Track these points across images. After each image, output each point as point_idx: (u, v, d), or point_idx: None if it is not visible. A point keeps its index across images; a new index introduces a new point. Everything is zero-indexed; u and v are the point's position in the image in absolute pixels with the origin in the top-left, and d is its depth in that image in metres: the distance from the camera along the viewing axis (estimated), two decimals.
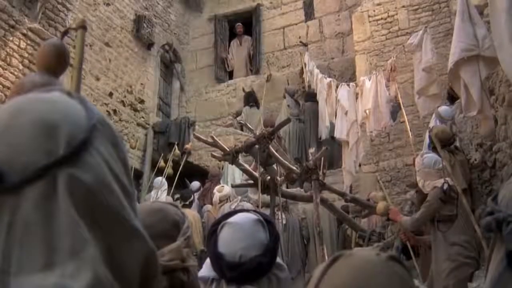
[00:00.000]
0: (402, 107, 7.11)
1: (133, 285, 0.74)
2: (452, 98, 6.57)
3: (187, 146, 9.57)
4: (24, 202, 0.70)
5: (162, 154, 9.37)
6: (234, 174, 7.93)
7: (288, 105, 10.07)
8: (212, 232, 1.50)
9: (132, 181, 0.83)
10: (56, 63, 1.44)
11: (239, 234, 1.44)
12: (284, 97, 10.38)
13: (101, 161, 0.76)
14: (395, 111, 7.57)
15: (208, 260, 1.47)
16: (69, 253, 0.69)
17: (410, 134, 6.82)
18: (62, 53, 1.46)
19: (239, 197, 6.53)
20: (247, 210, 1.59)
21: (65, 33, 1.58)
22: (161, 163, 8.95)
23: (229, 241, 1.44)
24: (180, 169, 8.45)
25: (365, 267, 0.78)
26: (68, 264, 0.68)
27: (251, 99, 10.61)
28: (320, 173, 5.54)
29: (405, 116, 7.00)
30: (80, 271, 0.68)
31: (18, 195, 0.70)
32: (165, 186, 7.96)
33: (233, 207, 6.12)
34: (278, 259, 1.47)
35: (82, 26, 1.42)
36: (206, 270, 1.46)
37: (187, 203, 7.20)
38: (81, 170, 0.73)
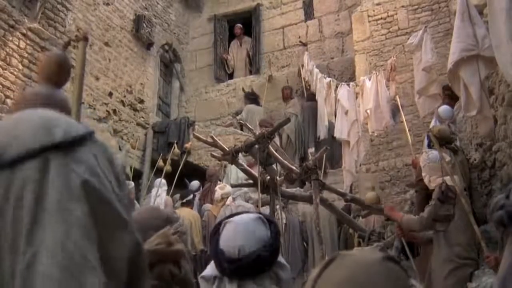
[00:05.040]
0: (400, 108, 7.10)
1: (121, 273, 0.78)
2: (449, 97, 6.51)
3: (187, 145, 9.57)
4: (17, 179, 0.78)
5: (162, 154, 9.38)
6: (237, 174, 7.92)
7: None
8: (214, 232, 1.52)
9: (125, 194, 0.89)
10: (58, 74, 1.46)
11: (239, 230, 1.47)
12: (284, 99, 10.48)
13: (94, 161, 0.83)
14: (394, 111, 7.57)
15: (212, 261, 1.49)
16: (49, 230, 0.74)
17: (409, 134, 6.82)
18: (64, 64, 1.49)
19: (237, 195, 6.53)
20: (251, 212, 1.61)
21: (67, 44, 1.60)
22: (160, 162, 8.95)
23: (229, 238, 1.46)
24: (180, 168, 8.45)
25: (361, 266, 0.78)
26: (45, 241, 0.73)
27: (252, 98, 10.64)
28: (321, 172, 5.54)
29: (403, 117, 7.00)
30: (60, 249, 0.73)
31: (12, 173, 0.79)
32: (165, 186, 7.96)
33: (233, 207, 6.12)
34: (282, 260, 1.49)
35: (84, 38, 1.43)
36: (210, 269, 1.48)
37: (186, 202, 7.20)
38: (76, 162, 0.80)
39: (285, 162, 5.50)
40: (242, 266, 1.40)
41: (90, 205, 0.77)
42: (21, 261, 0.73)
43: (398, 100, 7.14)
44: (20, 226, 0.76)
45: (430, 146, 4.97)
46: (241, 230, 1.46)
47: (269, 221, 1.52)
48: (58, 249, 0.74)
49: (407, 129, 6.88)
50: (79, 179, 0.78)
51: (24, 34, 7.08)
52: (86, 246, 0.75)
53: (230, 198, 6.54)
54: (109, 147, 0.91)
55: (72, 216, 0.75)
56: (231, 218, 1.52)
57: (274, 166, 5.39)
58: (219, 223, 1.53)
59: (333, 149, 8.27)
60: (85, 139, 0.85)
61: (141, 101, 10.19)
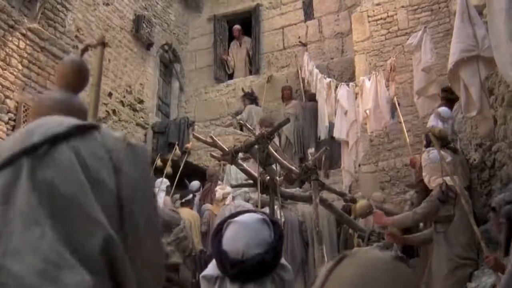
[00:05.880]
0: (398, 107, 7.10)
1: (91, 261, 0.82)
2: (446, 99, 6.49)
3: (187, 145, 9.57)
4: None
5: (159, 154, 9.35)
6: (237, 175, 7.92)
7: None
8: (217, 231, 1.51)
9: (122, 183, 0.91)
10: (75, 80, 1.49)
11: (243, 231, 1.45)
12: (284, 99, 10.46)
13: (72, 157, 0.87)
14: (393, 110, 7.58)
15: (214, 261, 1.48)
16: (19, 232, 0.79)
17: (407, 135, 6.82)
18: (82, 70, 1.51)
19: (238, 195, 6.53)
20: (254, 211, 1.60)
21: (84, 49, 1.63)
22: (158, 162, 8.94)
23: (233, 239, 1.44)
24: (180, 169, 8.44)
25: (371, 265, 0.78)
26: (13, 242, 0.78)
27: (252, 98, 10.65)
28: (321, 172, 5.53)
29: (401, 117, 6.99)
30: (26, 252, 0.77)
31: None
32: (166, 184, 7.92)
33: (232, 206, 6.13)
34: (284, 261, 1.48)
35: (102, 43, 1.45)
36: (211, 269, 1.47)
37: (185, 202, 7.20)
38: (46, 164, 0.85)
39: (285, 162, 5.50)
40: (246, 269, 1.39)
41: (54, 207, 0.81)
42: None
43: (396, 100, 7.14)
44: None
45: (429, 146, 4.98)
46: (245, 232, 1.44)
47: (273, 222, 1.51)
48: (30, 251, 0.78)
49: (405, 130, 6.88)
50: (45, 181, 0.82)
51: (23, 34, 7.08)
52: (61, 246, 0.78)
53: (229, 197, 6.54)
54: (114, 136, 0.94)
55: (41, 218, 0.79)
56: (235, 218, 1.50)
57: (273, 166, 5.39)
58: (222, 223, 1.52)
59: (332, 149, 8.27)
60: (67, 135, 0.88)
61: (141, 101, 10.19)
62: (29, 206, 0.79)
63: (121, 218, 0.89)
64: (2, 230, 0.80)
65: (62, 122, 0.93)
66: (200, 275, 1.50)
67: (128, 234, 0.89)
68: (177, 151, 9.33)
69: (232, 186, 6.70)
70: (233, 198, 6.52)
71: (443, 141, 4.88)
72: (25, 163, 0.83)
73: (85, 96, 1.97)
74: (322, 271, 0.83)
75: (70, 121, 0.93)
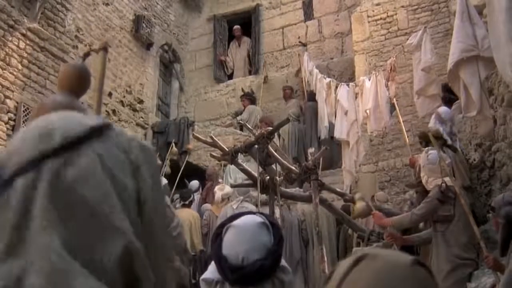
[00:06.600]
0: (396, 107, 7.10)
1: (106, 270, 0.76)
2: (447, 99, 6.49)
3: (189, 146, 9.57)
4: (12, 192, 0.79)
5: (158, 153, 9.33)
6: (236, 175, 7.91)
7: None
8: (217, 235, 1.51)
9: (141, 185, 0.88)
10: (77, 84, 1.50)
11: (242, 236, 1.45)
12: (285, 98, 10.46)
13: (95, 159, 0.82)
14: (391, 110, 7.57)
15: (213, 263, 1.48)
16: (34, 241, 0.74)
17: (407, 135, 6.81)
18: (84, 74, 1.52)
19: (241, 197, 6.51)
20: (254, 213, 1.60)
21: (86, 54, 1.63)
22: (158, 162, 8.89)
23: (232, 244, 1.45)
24: (181, 169, 8.44)
25: (390, 271, 0.75)
26: (30, 252, 0.74)
27: (251, 98, 10.67)
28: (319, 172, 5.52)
29: (400, 117, 6.98)
30: (37, 260, 0.73)
31: (11, 186, 0.80)
32: (165, 182, 7.91)
33: (235, 206, 6.12)
34: (284, 262, 1.48)
35: (104, 48, 1.46)
36: (211, 272, 1.47)
37: (187, 202, 7.19)
38: (66, 166, 0.80)
39: (285, 162, 5.49)
40: (245, 275, 1.40)
41: (72, 212, 0.77)
42: (7, 275, 0.72)
43: (394, 100, 7.13)
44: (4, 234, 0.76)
45: (426, 146, 4.97)
46: (244, 237, 1.45)
47: (272, 225, 1.51)
48: (40, 259, 0.73)
49: (404, 130, 6.88)
50: (67, 186, 0.79)
51: (23, 34, 7.08)
52: (71, 253, 0.74)
53: (240, 198, 6.48)
54: (126, 136, 0.89)
55: (53, 224, 0.75)
56: (234, 222, 1.50)
57: (273, 166, 5.39)
58: (221, 226, 1.52)
59: (332, 149, 8.27)
60: (87, 137, 0.84)
61: (141, 101, 10.18)
62: (46, 212, 0.76)
63: (141, 221, 0.85)
64: (21, 240, 0.75)
65: (80, 121, 0.88)
66: (200, 278, 1.50)
67: (145, 237, 0.86)
68: (173, 149, 9.31)
69: (232, 186, 6.69)
70: (241, 201, 6.47)
71: (441, 141, 4.88)
72: (46, 167, 0.79)
73: (87, 98, 1.98)
74: (338, 270, 0.80)
75: (88, 121, 0.88)
